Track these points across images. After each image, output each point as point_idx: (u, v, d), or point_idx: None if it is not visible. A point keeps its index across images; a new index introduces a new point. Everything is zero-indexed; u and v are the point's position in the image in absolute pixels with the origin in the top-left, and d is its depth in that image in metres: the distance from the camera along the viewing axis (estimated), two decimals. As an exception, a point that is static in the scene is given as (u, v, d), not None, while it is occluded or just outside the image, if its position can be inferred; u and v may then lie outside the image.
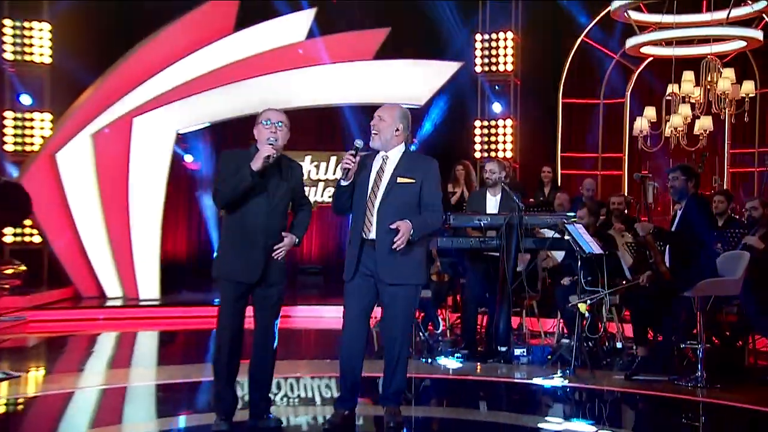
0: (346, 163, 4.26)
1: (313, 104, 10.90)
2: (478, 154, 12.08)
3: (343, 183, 4.31)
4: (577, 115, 12.53)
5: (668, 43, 10.04)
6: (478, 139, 12.29)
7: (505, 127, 12.29)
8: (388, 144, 4.33)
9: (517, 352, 6.62)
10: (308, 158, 12.62)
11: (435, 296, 7.59)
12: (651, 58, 11.64)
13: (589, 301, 6.23)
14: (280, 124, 4.28)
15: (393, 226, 4.14)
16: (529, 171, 11.72)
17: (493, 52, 12.24)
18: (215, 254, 4.40)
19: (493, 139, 12.27)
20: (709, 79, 9.41)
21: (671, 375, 6.06)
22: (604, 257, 6.37)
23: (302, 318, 9.47)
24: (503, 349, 6.58)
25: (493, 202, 6.77)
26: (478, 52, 12.27)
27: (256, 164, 4.13)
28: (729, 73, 9.36)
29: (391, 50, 11.01)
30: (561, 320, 7.23)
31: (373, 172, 4.32)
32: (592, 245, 6.17)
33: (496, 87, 12.20)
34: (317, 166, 12.73)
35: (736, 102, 9.36)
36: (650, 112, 9.60)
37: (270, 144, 4.20)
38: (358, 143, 4.26)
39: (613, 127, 12.50)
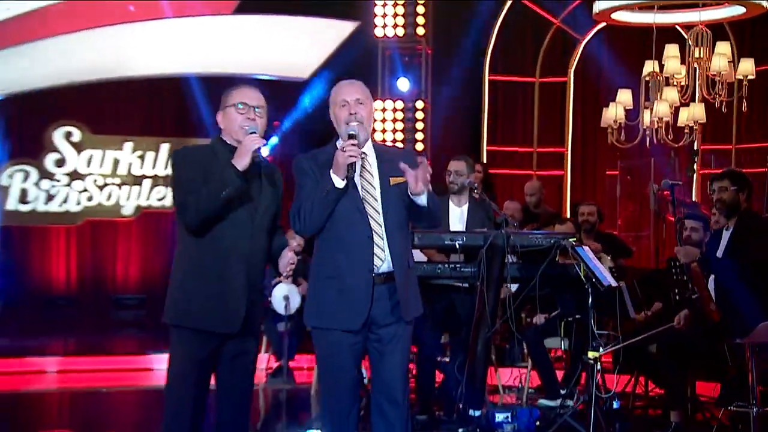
0: (352, 155, 3.74)
1: (147, 74, 10.38)
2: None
3: (339, 185, 3.79)
4: (506, 96, 11.74)
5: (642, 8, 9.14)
6: (378, 125, 11.18)
7: (414, 110, 11.27)
8: (368, 136, 3.96)
9: (499, 417, 6.09)
10: (128, 146, 11.68)
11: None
12: (600, 26, 10.94)
13: (602, 350, 5.85)
14: (258, 109, 3.88)
15: (403, 166, 3.79)
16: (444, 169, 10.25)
17: (399, 10, 11.20)
18: (170, 293, 3.91)
19: (399, 125, 11.23)
20: (697, 55, 8.35)
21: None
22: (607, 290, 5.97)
23: (115, 373, 8.54)
24: (476, 413, 6.06)
25: (457, 215, 6.41)
26: (378, 10, 11.23)
27: (243, 161, 3.72)
28: (724, 48, 8.28)
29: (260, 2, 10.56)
30: (532, 370, 7.01)
31: (356, 176, 3.87)
32: (606, 275, 5.86)
33: (406, 58, 11.28)
34: (141, 157, 11.76)
35: (728, 86, 8.35)
36: (625, 96, 8.55)
37: (251, 133, 3.78)
38: (354, 128, 3.83)
39: (552, 113, 11.71)
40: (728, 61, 8.10)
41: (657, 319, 6.79)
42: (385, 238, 3.86)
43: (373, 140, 4.02)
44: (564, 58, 11.53)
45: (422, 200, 3.81)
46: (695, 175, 10.09)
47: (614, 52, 10.88)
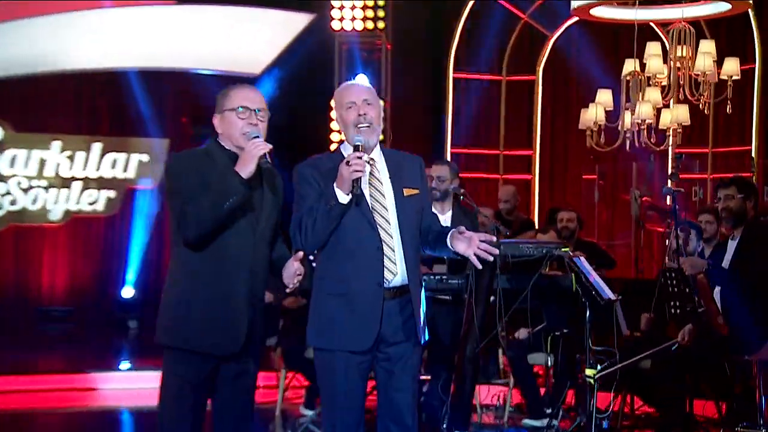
0: (357, 169, 3.64)
1: (80, 67, 10.14)
2: (335, 147, 10.24)
3: (343, 200, 3.71)
4: (471, 96, 11.54)
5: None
6: (335, 125, 10.78)
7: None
8: (377, 140, 3.93)
9: None
10: (57, 145, 11.36)
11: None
12: (571, 22, 10.86)
13: (599, 368, 5.83)
14: (260, 112, 3.79)
15: (464, 233, 3.77)
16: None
17: (358, 2, 11.13)
18: (165, 311, 3.81)
19: None
20: (680, 54, 8.16)
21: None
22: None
23: (42, 394, 8.08)
24: None
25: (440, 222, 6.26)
26: (336, 2, 11.15)
27: (248, 168, 3.63)
28: (709, 46, 8.08)
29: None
30: (514, 388, 7.05)
31: (363, 185, 3.78)
32: (605, 288, 5.83)
33: (365, 54, 11.18)
34: (71, 158, 11.43)
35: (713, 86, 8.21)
36: (605, 96, 8.35)
37: (254, 139, 3.68)
38: (360, 139, 3.74)
39: (520, 114, 11.60)
40: (713, 61, 7.92)
41: (649, 334, 6.67)
42: (396, 250, 3.79)
43: (381, 144, 3.95)
44: (532, 55, 11.40)
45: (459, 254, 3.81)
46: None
47: (586, 50, 10.75)
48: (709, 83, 7.99)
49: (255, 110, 3.76)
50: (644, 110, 7.90)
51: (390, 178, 3.85)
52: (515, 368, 6.85)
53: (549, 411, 6.67)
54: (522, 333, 6.88)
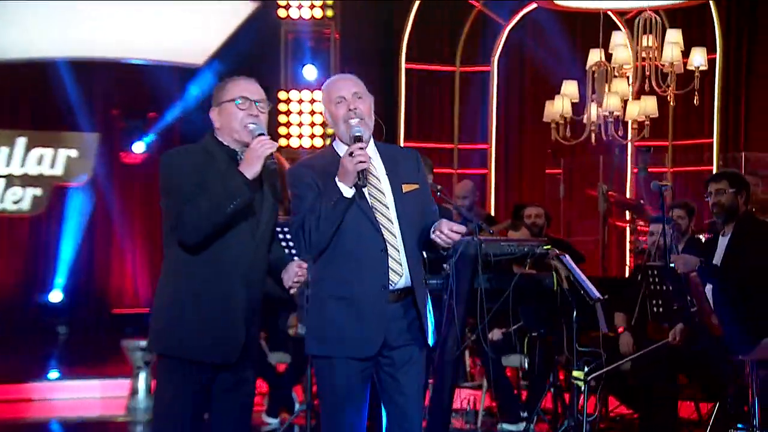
0: (362, 160, 3.59)
1: (9, 58, 9.99)
2: (284, 141, 10.68)
3: (348, 194, 3.64)
4: (424, 87, 11.54)
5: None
6: (283, 118, 10.73)
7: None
8: (370, 135, 3.84)
9: None
10: None
11: (296, 364, 6.92)
12: (526, 10, 10.88)
13: (587, 370, 5.79)
14: (260, 104, 3.75)
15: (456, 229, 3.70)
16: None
17: None
18: (158, 318, 3.73)
19: (305, 119, 10.77)
20: (646, 44, 8.24)
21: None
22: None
23: None
24: None
25: None
26: None
27: (253, 168, 3.59)
28: (676, 36, 8.15)
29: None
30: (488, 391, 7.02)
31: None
32: (592, 287, 5.81)
33: (312, 43, 10.91)
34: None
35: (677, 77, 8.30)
36: (571, 88, 8.39)
37: (259, 135, 3.62)
38: (360, 129, 3.68)
39: (474, 106, 11.54)
40: (680, 51, 8.00)
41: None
42: (401, 250, 3.74)
43: (375, 139, 3.89)
44: (486, 45, 11.37)
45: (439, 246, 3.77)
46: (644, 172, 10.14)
47: (543, 39, 10.76)
48: (675, 74, 8.05)
49: (255, 102, 3.71)
50: (612, 102, 7.96)
51: (387, 174, 3.80)
52: (491, 371, 6.77)
53: (524, 415, 6.66)
54: (495, 334, 6.81)
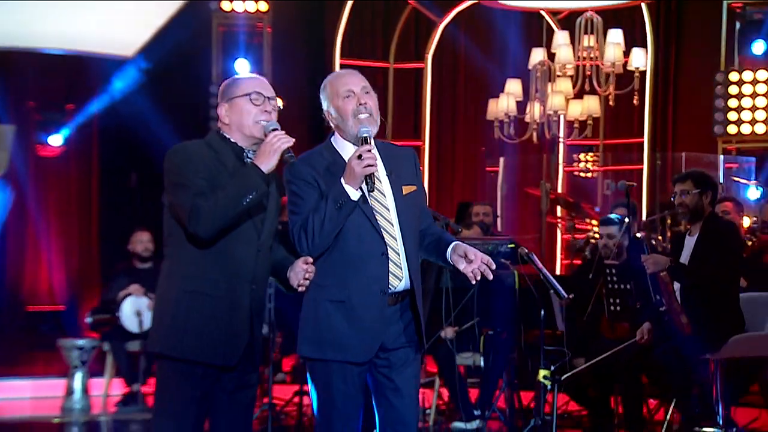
0: (370, 163, 3.53)
1: None
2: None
3: (354, 196, 3.59)
4: None
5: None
6: (215, 113, 9.91)
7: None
8: (375, 132, 3.77)
9: None
10: None
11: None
12: (460, 8, 10.98)
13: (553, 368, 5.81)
14: (273, 101, 3.66)
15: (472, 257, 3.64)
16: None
17: None
18: (160, 317, 3.68)
19: None
20: (587, 44, 8.51)
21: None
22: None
23: None
24: None
25: None
26: None
27: (270, 162, 3.51)
28: (617, 36, 8.42)
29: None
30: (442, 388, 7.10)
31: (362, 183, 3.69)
32: (558, 285, 5.81)
33: (245, 38, 10.67)
34: None
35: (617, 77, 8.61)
36: (515, 86, 8.50)
37: (273, 130, 3.54)
38: (368, 130, 3.61)
39: (408, 103, 11.59)
40: (622, 51, 8.25)
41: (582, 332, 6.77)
42: (401, 253, 3.68)
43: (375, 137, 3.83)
44: (420, 42, 11.36)
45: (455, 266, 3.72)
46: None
47: (477, 37, 10.83)
48: (613, 74, 8.30)
49: (269, 98, 3.64)
50: (557, 101, 8.07)
51: (388, 175, 3.72)
52: (444, 369, 6.77)
53: (478, 413, 6.65)
54: (449, 332, 6.79)
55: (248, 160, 3.64)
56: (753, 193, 8.82)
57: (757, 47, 9.35)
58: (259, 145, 3.59)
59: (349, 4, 11.12)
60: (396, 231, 3.69)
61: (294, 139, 3.54)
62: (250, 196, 3.50)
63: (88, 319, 8.14)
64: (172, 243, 3.62)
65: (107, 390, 7.92)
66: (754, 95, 9.29)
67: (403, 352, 3.74)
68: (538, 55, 8.47)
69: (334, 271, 3.66)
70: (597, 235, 7.84)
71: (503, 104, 8.38)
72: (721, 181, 8.65)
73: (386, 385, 3.75)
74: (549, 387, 5.73)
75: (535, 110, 8.43)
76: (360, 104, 3.65)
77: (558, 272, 9.53)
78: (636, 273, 5.91)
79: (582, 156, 10.11)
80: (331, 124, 3.74)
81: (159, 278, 3.68)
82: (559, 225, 9.65)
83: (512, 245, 6.08)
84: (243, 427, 3.77)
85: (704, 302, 5.70)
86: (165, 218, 3.67)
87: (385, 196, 3.70)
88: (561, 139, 9.61)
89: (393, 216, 3.69)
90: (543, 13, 9.86)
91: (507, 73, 8.98)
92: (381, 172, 3.71)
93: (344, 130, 3.68)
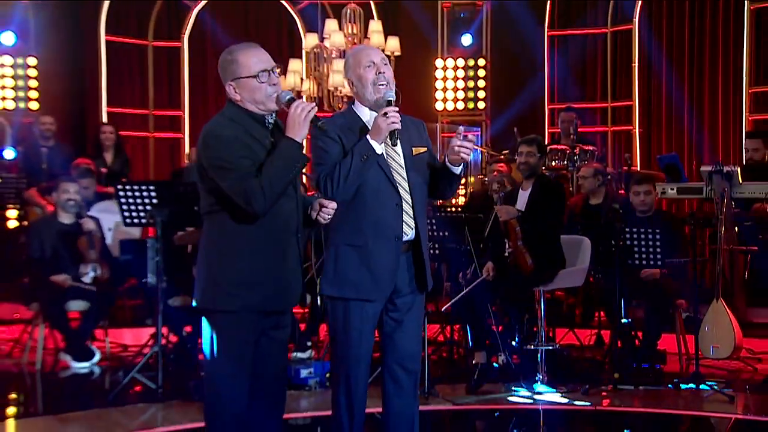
0: (395, 121, 3.74)
1: None
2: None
3: (379, 150, 3.79)
4: (122, 58, 11.79)
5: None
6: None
7: (27, 67, 10.89)
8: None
9: (304, 372, 6.35)
10: None
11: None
12: None
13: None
14: (275, 70, 3.66)
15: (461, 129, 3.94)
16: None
17: None
18: (213, 276, 3.63)
19: (21, 83, 10.81)
20: (352, 31, 9.59)
21: (514, 381, 6.36)
22: None
23: None
24: None
25: None
26: None
27: (302, 132, 3.57)
28: (378, 26, 9.55)
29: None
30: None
31: (381, 145, 3.85)
32: None
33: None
34: None
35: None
36: (297, 65, 9.50)
37: (290, 100, 3.62)
38: (392, 94, 3.83)
39: (166, 77, 12.06)
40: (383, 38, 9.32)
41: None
42: (411, 206, 3.90)
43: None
44: (176, 24, 11.87)
45: (457, 170, 3.93)
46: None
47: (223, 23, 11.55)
48: None
49: (272, 70, 3.62)
50: (338, 79, 8.91)
51: (399, 138, 3.86)
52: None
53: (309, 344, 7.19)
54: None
55: (269, 124, 3.64)
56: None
57: (465, 39, 11.31)
58: (273, 109, 3.62)
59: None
60: (406, 186, 3.90)
61: (315, 105, 3.64)
62: (296, 169, 3.55)
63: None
64: (215, 217, 3.63)
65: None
66: (465, 79, 11.28)
67: (410, 298, 3.95)
68: (312, 39, 9.47)
69: (354, 219, 3.83)
70: None
71: (291, 81, 9.26)
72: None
73: (394, 327, 3.97)
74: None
75: (313, 87, 9.40)
76: (379, 73, 3.86)
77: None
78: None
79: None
80: (351, 92, 3.97)
81: (203, 244, 3.70)
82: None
83: None
84: (281, 360, 3.86)
85: (539, 244, 6.30)
86: (202, 197, 3.65)
87: (399, 156, 3.90)
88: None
89: (404, 173, 3.90)
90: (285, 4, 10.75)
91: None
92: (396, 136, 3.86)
93: (363, 96, 3.85)
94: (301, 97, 3.72)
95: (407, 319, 3.96)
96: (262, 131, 3.57)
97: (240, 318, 3.59)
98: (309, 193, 4.37)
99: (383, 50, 8.97)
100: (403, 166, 3.89)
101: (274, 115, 3.62)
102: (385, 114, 3.71)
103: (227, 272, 3.59)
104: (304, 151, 3.60)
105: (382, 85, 3.83)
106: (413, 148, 3.92)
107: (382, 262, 3.83)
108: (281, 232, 3.62)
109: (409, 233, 3.89)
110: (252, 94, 3.57)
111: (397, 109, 3.75)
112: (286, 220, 3.63)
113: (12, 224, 9.60)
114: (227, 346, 3.63)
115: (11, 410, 6.20)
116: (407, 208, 3.87)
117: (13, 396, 6.67)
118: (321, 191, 3.81)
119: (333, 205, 3.70)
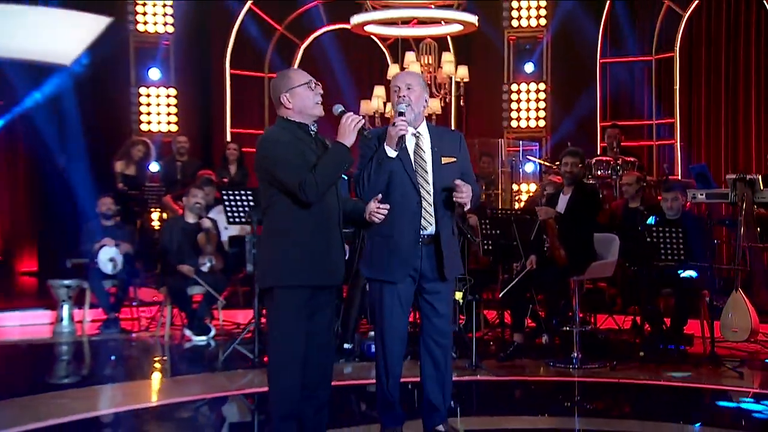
0: (402, 129, 3.85)
1: None
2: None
3: (392, 154, 3.89)
4: (240, 88, 11.95)
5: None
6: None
7: (168, 96, 11.25)
8: (418, 118, 4.06)
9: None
10: None
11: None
12: (320, 32, 11.85)
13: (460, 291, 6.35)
14: (318, 84, 3.83)
15: (458, 182, 3.96)
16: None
17: (149, 9, 11.19)
18: (273, 256, 3.72)
19: (163, 110, 11.19)
20: (427, 62, 9.70)
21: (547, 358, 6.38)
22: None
23: None
24: (349, 346, 6.52)
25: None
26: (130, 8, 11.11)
27: (350, 138, 3.70)
28: (449, 56, 9.72)
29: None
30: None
31: (410, 152, 3.99)
32: None
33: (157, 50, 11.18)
34: None
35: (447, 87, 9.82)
36: (381, 91, 9.53)
37: (342, 112, 3.74)
38: (403, 107, 3.93)
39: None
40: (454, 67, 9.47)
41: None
42: (432, 206, 4.01)
43: (429, 122, 4.20)
44: (288, 57, 11.99)
45: (469, 205, 4.07)
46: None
47: (332, 57, 11.57)
48: (446, 84, 9.65)
49: (315, 83, 3.79)
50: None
51: (432, 148, 4.02)
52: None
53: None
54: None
55: (312, 131, 3.77)
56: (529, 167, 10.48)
57: (528, 67, 11.34)
58: (315, 119, 3.76)
59: (237, 25, 11.55)
60: (430, 188, 4.00)
61: (362, 118, 3.77)
62: (344, 168, 3.73)
63: (68, 264, 8.20)
64: (275, 209, 3.72)
65: (86, 317, 8.20)
66: (527, 101, 11.25)
67: (438, 284, 4.08)
68: (394, 69, 9.70)
69: (384, 214, 3.94)
70: None
71: (374, 104, 9.44)
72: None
73: (427, 308, 4.11)
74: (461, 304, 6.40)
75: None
76: (399, 96, 4.02)
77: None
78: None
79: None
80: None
81: (265, 233, 3.81)
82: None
83: None
84: (330, 332, 3.90)
85: (574, 241, 6.28)
86: (262, 190, 3.76)
87: (426, 163, 4.03)
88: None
89: (430, 177, 4.01)
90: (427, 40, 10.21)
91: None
92: (427, 145, 4.04)
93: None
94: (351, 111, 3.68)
95: (437, 302, 4.08)
96: (306, 137, 3.72)
97: (297, 293, 3.69)
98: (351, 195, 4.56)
99: (451, 77, 9.52)
100: (429, 171, 4.01)
101: (315, 125, 3.77)
102: (394, 123, 3.87)
103: (286, 253, 3.70)
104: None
105: (400, 106, 3.99)
106: (442, 158, 4.03)
107: (402, 250, 3.98)
108: (327, 221, 3.75)
109: (428, 228, 4.00)
110: (303, 100, 3.72)
111: (405, 119, 3.88)
112: (330, 212, 3.77)
113: (156, 225, 9.99)
114: (286, 319, 3.70)
115: (148, 372, 6.72)
116: (427, 206, 3.99)
117: (150, 361, 7.11)
118: (355, 190, 4.00)
119: (386, 206, 3.86)
